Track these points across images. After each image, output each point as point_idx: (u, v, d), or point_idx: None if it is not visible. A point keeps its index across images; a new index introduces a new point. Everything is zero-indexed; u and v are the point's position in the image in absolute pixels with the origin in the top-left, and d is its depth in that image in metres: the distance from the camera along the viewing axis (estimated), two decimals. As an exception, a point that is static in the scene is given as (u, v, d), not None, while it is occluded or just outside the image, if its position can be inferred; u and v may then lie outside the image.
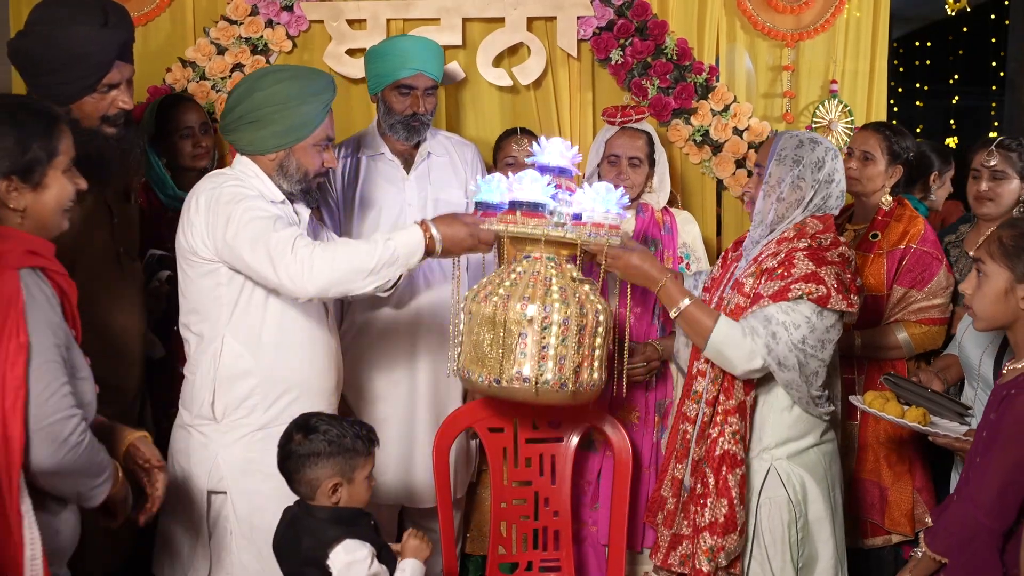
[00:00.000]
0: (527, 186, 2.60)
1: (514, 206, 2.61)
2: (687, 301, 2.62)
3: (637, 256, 2.66)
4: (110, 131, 2.77)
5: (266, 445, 2.55)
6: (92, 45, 2.69)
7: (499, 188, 2.69)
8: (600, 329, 2.59)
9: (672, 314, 2.65)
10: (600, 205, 2.60)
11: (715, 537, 2.58)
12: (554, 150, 2.73)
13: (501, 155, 3.58)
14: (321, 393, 2.76)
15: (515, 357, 2.52)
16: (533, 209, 2.59)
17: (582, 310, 2.55)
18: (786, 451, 2.66)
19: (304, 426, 2.40)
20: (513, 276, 2.60)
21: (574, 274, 2.63)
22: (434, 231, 2.59)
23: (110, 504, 2.22)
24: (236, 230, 2.55)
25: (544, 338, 2.52)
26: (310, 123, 2.66)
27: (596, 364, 2.61)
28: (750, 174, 3.77)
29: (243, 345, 2.64)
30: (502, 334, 2.52)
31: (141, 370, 3.04)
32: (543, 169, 2.70)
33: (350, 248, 2.58)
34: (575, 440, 3.05)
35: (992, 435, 2.24)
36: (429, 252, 2.60)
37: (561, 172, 2.73)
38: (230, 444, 2.65)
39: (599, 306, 2.60)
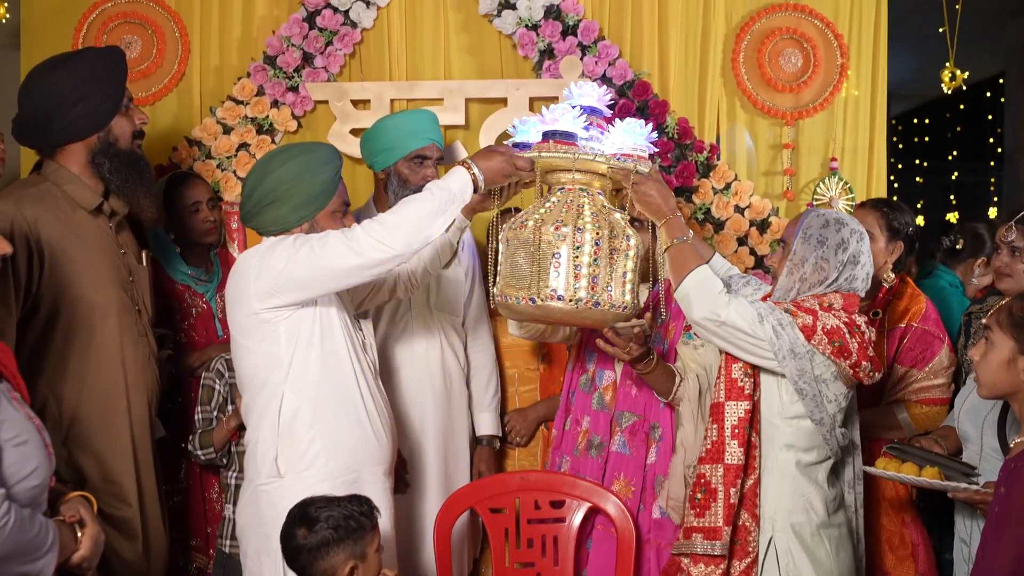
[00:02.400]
0: (560, 117, 2.70)
1: (547, 136, 2.71)
2: (683, 239, 2.68)
3: (656, 188, 2.72)
4: (139, 150, 3.00)
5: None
6: (106, 62, 2.91)
7: (534, 128, 2.78)
8: (631, 253, 2.70)
9: (664, 246, 2.71)
10: (629, 139, 2.71)
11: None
12: (587, 91, 2.83)
13: (494, 232, 3.62)
14: (380, 453, 2.76)
15: (550, 276, 2.63)
16: (565, 138, 2.69)
17: (612, 232, 2.66)
18: (786, 522, 2.61)
19: (304, 518, 2.36)
20: (547, 205, 2.71)
21: (605, 203, 2.72)
22: (475, 168, 2.69)
23: (71, 568, 2.16)
24: (301, 246, 2.62)
25: (577, 257, 2.62)
26: (327, 191, 2.75)
27: (628, 287, 2.70)
28: (752, 252, 3.80)
29: (301, 398, 2.66)
30: (537, 255, 2.63)
31: (151, 425, 3.03)
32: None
33: (408, 202, 2.67)
34: (578, 520, 3.01)
35: (1003, 511, 2.21)
36: (475, 186, 2.69)
37: (592, 112, 2.81)
38: (300, 494, 2.59)
39: (629, 231, 2.71)
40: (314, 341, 2.68)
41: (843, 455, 2.76)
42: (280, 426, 2.66)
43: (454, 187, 2.67)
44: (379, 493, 2.72)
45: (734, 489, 2.58)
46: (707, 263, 2.70)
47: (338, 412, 2.69)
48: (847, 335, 2.55)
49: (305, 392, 2.66)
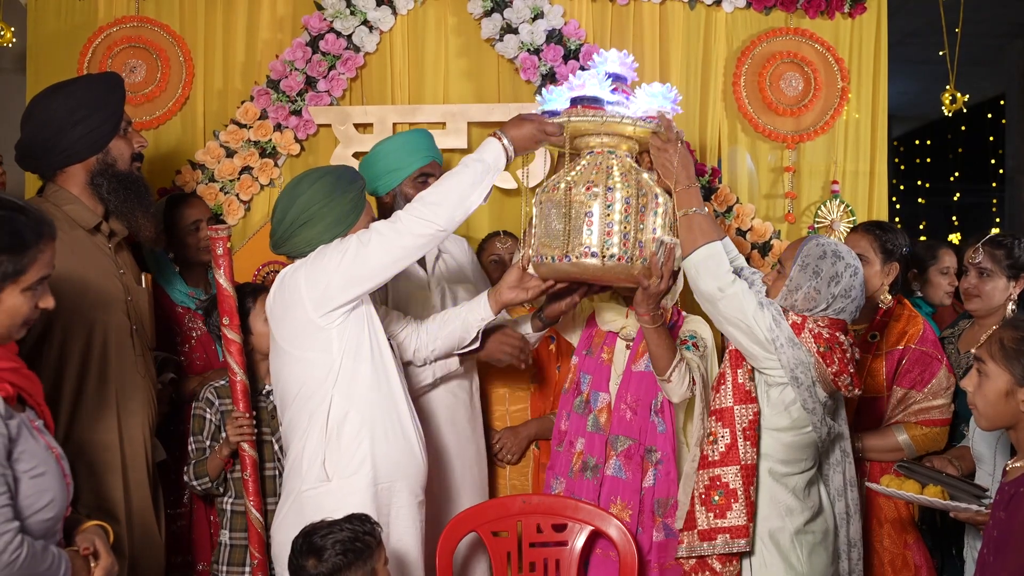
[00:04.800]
0: (588, 83, 2.80)
1: (576, 102, 2.81)
2: (697, 210, 2.77)
3: (680, 155, 2.80)
4: (138, 172, 3.04)
5: (377, 503, 2.67)
6: (103, 88, 2.96)
7: (563, 96, 2.87)
8: (659, 210, 2.79)
9: (680, 214, 2.78)
10: (655, 102, 2.80)
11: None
12: (612, 58, 2.91)
13: (485, 254, 3.67)
14: (416, 467, 2.79)
15: (583, 234, 2.73)
16: (593, 103, 2.78)
17: (641, 191, 2.76)
18: (763, 527, 2.71)
19: (311, 548, 2.35)
20: (578, 167, 2.81)
21: (633, 164, 2.82)
22: (505, 139, 2.81)
23: None
24: (348, 243, 2.72)
25: (609, 215, 2.72)
26: (356, 208, 2.82)
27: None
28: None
29: (350, 403, 2.72)
30: (570, 215, 2.72)
31: (150, 454, 3.03)
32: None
33: (445, 179, 2.79)
34: (580, 544, 3.01)
35: (1004, 536, 2.20)
36: (507, 155, 2.82)
37: (618, 79, 2.89)
38: (342, 501, 2.64)
39: (657, 190, 2.80)
40: (363, 355, 2.74)
41: (831, 463, 2.86)
42: (328, 430, 2.71)
43: (488, 158, 2.77)
44: (409, 506, 2.76)
45: (752, 487, 2.69)
46: (719, 241, 2.79)
47: (384, 421, 2.74)
48: (833, 350, 2.66)
49: (354, 398, 2.72)
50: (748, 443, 2.68)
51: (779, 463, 2.71)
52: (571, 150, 2.84)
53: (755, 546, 2.70)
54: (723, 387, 2.74)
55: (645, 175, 2.80)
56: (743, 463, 2.68)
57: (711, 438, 2.72)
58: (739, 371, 2.73)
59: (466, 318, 3.01)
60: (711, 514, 2.69)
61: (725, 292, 2.67)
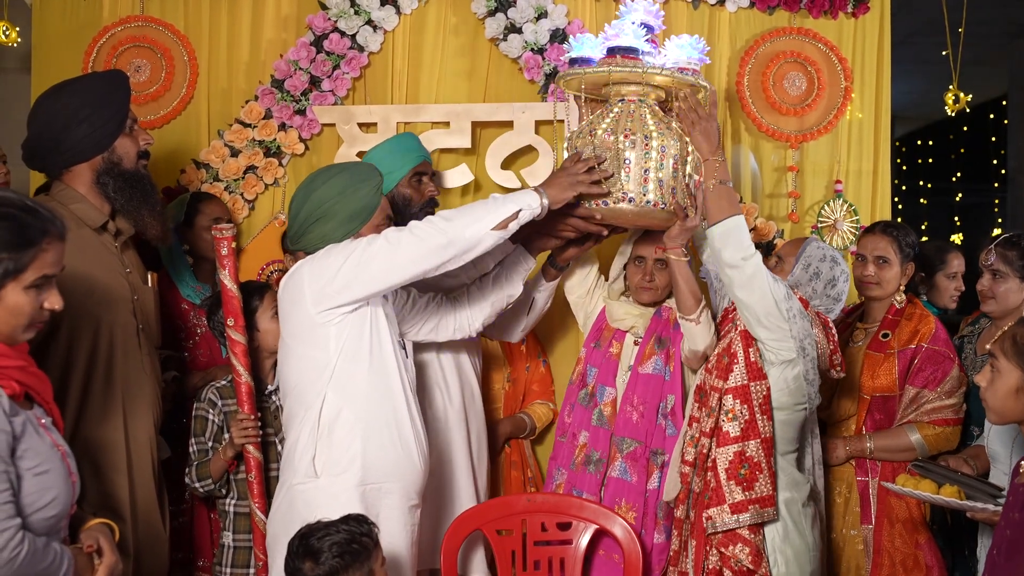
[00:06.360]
0: (625, 33, 2.91)
1: (612, 52, 2.92)
2: (728, 182, 2.88)
3: (713, 123, 2.91)
4: (144, 170, 3.03)
5: (365, 504, 2.65)
6: (107, 86, 2.97)
7: (592, 44, 2.98)
8: (690, 159, 2.93)
9: (710, 183, 2.87)
10: (684, 53, 2.91)
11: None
12: (641, 6, 3.00)
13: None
14: (412, 472, 2.79)
15: (620, 180, 2.86)
16: (630, 54, 2.89)
17: (674, 139, 2.90)
18: (781, 500, 2.83)
19: (308, 550, 2.34)
20: (612, 115, 2.92)
21: (663, 114, 2.95)
22: (542, 191, 2.80)
23: None
24: (355, 244, 2.72)
25: (645, 163, 2.86)
26: (370, 205, 2.83)
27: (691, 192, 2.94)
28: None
29: (344, 401, 2.72)
30: (607, 161, 2.85)
31: (154, 450, 3.04)
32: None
33: (467, 207, 2.83)
34: (584, 543, 3.01)
35: (1017, 537, 2.19)
36: (541, 201, 2.79)
37: (647, 28, 2.99)
38: (331, 499, 2.64)
39: (687, 139, 2.94)
40: (361, 356, 2.73)
41: (802, 444, 2.97)
42: (320, 427, 2.71)
43: (515, 195, 2.79)
44: (400, 509, 2.75)
45: (772, 459, 2.81)
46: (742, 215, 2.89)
47: (379, 423, 2.74)
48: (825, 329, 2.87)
49: (349, 397, 2.72)
50: (764, 417, 2.79)
51: (779, 441, 2.84)
52: (599, 97, 2.96)
53: (778, 515, 2.81)
54: (736, 366, 2.82)
55: (675, 124, 2.91)
56: (763, 436, 2.78)
57: (730, 415, 2.80)
58: (750, 350, 2.82)
59: (509, 274, 3.06)
60: (739, 487, 2.78)
61: (747, 262, 2.76)
